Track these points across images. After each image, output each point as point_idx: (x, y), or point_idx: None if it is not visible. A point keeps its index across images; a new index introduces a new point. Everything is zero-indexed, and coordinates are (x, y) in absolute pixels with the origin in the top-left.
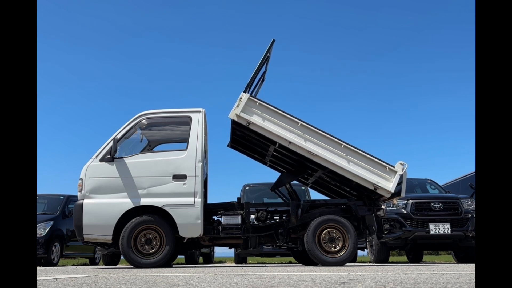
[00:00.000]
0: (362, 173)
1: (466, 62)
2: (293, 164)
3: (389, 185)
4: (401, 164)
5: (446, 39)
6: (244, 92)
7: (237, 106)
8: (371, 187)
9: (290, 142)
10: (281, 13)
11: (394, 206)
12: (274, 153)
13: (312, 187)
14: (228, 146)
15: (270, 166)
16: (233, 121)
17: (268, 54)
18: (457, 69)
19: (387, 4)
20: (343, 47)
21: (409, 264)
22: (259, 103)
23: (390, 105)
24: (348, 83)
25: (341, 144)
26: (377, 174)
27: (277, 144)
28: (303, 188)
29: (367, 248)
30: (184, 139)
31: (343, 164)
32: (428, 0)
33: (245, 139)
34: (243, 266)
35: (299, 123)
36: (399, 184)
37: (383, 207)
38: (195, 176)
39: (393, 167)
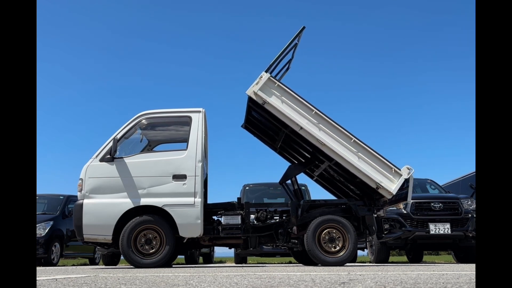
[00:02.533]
0: (367, 169)
1: (467, 61)
2: (302, 153)
3: (392, 186)
4: (408, 168)
5: (446, 38)
6: (266, 71)
7: (256, 83)
8: (374, 186)
9: (301, 128)
10: (285, 15)
11: (395, 206)
12: (285, 138)
13: (316, 181)
14: (242, 126)
15: (279, 153)
16: (249, 99)
17: (296, 42)
18: (459, 69)
19: (391, 3)
20: (343, 45)
21: (409, 264)
22: (278, 84)
23: (390, 104)
24: (348, 82)
25: (351, 139)
26: (381, 173)
27: (289, 128)
28: (303, 188)
29: (367, 248)
30: (184, 139)
31: (349, 158)
32: (431, 0)
33: (259, 121)
34: (243, 266)
35: (313, 110)
36: (406, 188)
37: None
38: (195, 176)
39: (399, 170)
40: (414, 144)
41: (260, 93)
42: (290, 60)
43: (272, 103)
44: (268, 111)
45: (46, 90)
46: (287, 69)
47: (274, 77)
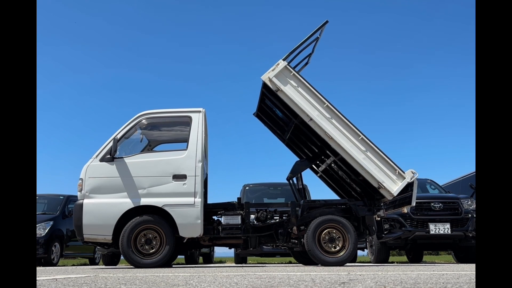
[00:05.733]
0: (371, 168)
1: (468, 60)
2: (309, 147)
3: (394, 187)
4: (412, 172)
5: (446, 32)
6: (283, 60)
7: (272, 70)
8: (375, 185)
9: (311, 119)
10: (287, 13)
11: (398, 209)
12: (294, 129)
13: (320, 177)
14: (253, 114)
15: (287, 144)
16: (263, 85)
17: (318, 36)
18: (459, 66)
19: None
20: (341, 39)
21: (409, 264)
22: (293, 73)
23: (390, 103)
24: (346, 77)
25: (359, 136)
26: (385, 174)
27: (299, 118)
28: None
29: (367, 248)
30: (184, 139)
31: (355, 154)
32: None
33: (271, 109)
34: (243, 266)
35: (325, 103)
36: (410, 191)
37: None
38: (195, 176)
39: (403, 172)
40: (414, 144)
41: (274, 79)
42: (310, 54)
43: (285, 91)
44: (280, 99)
45: (39, 85)
46: (306, 63)
47: (291, 67)
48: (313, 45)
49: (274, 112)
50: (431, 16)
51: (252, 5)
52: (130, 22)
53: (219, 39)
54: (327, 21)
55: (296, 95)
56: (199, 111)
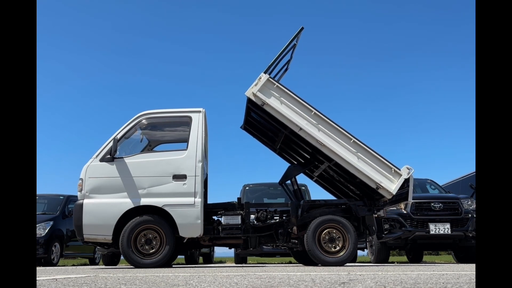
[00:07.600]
0: (366, 170)
1: (468, 60)
2: (301, 154)
3: (392, 186)
4: (408, 168)
5: (445, 35)
6: (265, 73)
7: (255, 85)
8: (374, 186)
9: (300, 129)
10: (287, 14)
11: (395, 206)
12: (284, 139)
13: (316, 181)
14: (241, 127)
15: (279, 154)
16: (248, 100)
17: (295, 42)
18: (459, 68)
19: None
20: (341, 42)
21: (409, 264)
22: (277, 85)
23: (389, 103)
24: (345, 79)
25: (351, 139)
26: (381, 174)
27: (288, 129)
28: (303, 188)
29: (367, 248)
30: (184, 139)
31: (349, 159)
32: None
33: (258, 122)
34: (243, 266)
35: (313, 111)
36: (406, 188)
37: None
38: (195, 176)
39: (399, 169)
40: (414, 144)
41: (259, 94)
42: (289, 61)
43: (271, 104)
44: (267, 112)
45: (40, 85)
46: (286, 69)
47: (273, 78)
48: (291, 52)
49: (262, 124)
50: (429, 16)
51: (253, 5)
52: (133, 26)
53: (219, 40)
54: (302, 28)
55: (282, 106)
56: (199, 111)
